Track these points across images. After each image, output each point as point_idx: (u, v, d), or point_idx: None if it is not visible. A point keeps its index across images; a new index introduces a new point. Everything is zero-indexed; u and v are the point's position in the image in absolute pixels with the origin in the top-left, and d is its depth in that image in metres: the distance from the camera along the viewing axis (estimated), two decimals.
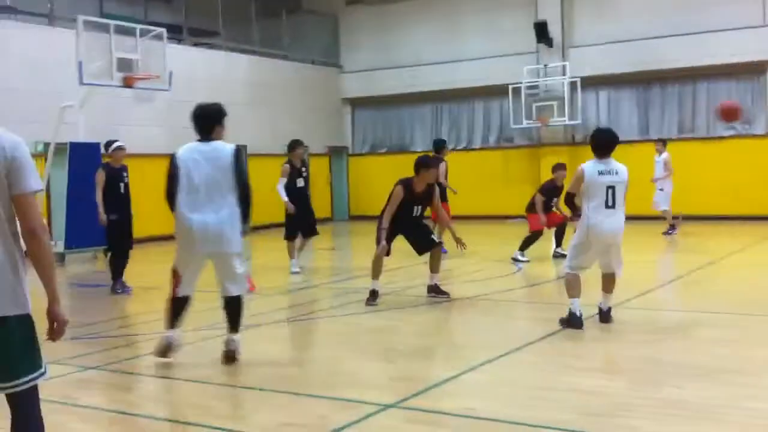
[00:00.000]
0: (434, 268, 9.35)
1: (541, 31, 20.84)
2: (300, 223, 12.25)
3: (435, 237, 9.51)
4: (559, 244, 13.11)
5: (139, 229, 11.78)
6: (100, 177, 10.50)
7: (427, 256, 9.41)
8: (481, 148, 23.00)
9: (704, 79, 20.14)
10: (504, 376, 5.92)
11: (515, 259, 12.61)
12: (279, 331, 7.87)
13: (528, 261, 12.49)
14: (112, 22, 14.84)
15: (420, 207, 9.18)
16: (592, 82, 21.02)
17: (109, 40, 14.48)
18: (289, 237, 12.27)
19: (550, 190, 12.95)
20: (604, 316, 7.57)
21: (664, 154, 16.31)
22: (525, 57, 21.54)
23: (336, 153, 24.30)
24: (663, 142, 16.75)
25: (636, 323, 7.70)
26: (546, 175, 21.51)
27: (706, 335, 7.15)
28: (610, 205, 7.23)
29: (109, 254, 10.96)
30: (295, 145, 12.51)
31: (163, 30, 15.86)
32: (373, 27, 24.13)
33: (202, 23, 21.39)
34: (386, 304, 9.04)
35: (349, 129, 24.94)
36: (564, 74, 20.88)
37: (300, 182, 12.33)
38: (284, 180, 12.21)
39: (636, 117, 21.00)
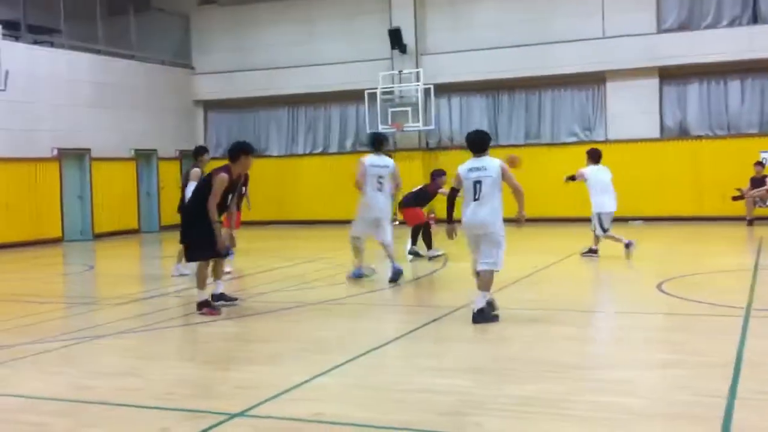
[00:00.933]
0: (220, 274, 9.10)
1: (395, 38, 21.14)
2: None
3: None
4: (414, 242, 13.55)
5: None
6: None
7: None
8: (337, 153, 23.00)
9: (549, 87, 21.06)
10: (355, 379, 5.86)
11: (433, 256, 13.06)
12: (122, 342, 7.48)
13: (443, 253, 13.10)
14: None
15: (231, 196, 8.81)
16: (444, 89, 21.52)
17: None
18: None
19: (426, 194, 13.66)
20: (474, 316, 7.60)
21: None
22: (380, 63, 21.77)
23: (188, 157, 23.55)
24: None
25: (486, 322, 7.84)
26: (403, 178, 21.91)
27: (553, 332, 7.37)
28: (476, 198, 7.69)
29: None
30: (202, 150, 11.74)
31: None
32: (226, 28, 23.67)
33: (42, 20, 20.22)
34: (236, 311, 8.79)
35: (202, 132, 24.33)
36: (418, 81, 21.24)
37: None
38: (194, 184, 11.73)
39: (486, 124, 21.65)
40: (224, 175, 8.41)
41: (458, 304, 8.54)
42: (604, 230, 12.57)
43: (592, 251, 12.76)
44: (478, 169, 7.74)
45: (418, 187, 14.08)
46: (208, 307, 8.60)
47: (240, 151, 8.63)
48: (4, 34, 16.25)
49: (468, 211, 7.74)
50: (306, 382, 5.69)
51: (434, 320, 7.80)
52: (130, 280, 12.88)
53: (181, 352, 7.31)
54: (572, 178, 12.82)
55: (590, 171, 12.67)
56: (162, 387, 5.83)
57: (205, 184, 8.61)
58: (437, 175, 13.63)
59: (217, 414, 4.95)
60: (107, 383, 5.89)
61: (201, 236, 8.45)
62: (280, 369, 6.23)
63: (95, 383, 5.91)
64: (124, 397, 5.48)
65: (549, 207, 19.71)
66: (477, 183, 7.68)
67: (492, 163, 7.78)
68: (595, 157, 12.83)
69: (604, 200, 12.55)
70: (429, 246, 13.22)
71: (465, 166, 7.85)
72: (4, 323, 8.60)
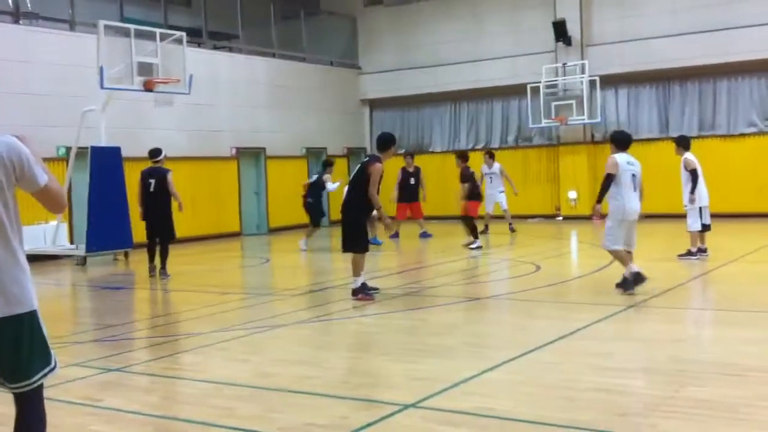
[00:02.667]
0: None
1: (560, 30, 20.77)
2: None
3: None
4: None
5: None
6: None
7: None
8: (499, 148, 22.90)
9: (725, 76, 19.97)
10: (525, 376, 5.89)
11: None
12: (299, 332, 7.89)
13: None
14: (133, 27, 14.89)
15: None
16: (611, 81, 20.93)
17: (130, 44, 14.54)
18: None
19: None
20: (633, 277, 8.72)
21: (496, 165, 17.90)
22: (544, 56, 21.49)
23: (355, 154, 24.32)
24: (491, 155, 18.18)
25: (659, 322, 7.66)
26: (564, 174, 21.53)
27: (731, 334, 7.08)
28: (635, 189, 8.89)
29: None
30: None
31: (183, 34, 15.92)
32: (391, 28, 24.15)
33: (221, 27, 21.51)
34: (406, 304, 9.04)
35: (368, 130, 24.97)
36: (583, 73, 20.78)
37: None
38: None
39: (656, 115, 20.87)
40: (380, 165, 9.31)
41: (630, 303, 8.37)
42: (706, 226, 11.71)
43: (701, 251, 11.74)
44: (633, 163, 8.93)
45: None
46: (362, 293, 9.28)
47: (391, 141, 9.64)
48: (187, 41, 17.34)
49: (631, 201, 8.86)
50: (476, 376, 5.79)
51: (605, 318, 7.68)
52: (303, 272, 13.49)
53: (353, 343, 7.61)
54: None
55: (695, 159, 11.63)
56: (338, 376, 6.13)
57: (360, 177, 9.32)
58: (466, 158, 15.12)
59: (392, 404, 5.14)
60: (287, 371, 6.25)
61: (358, 230, 9.34)
62: (449, 362, 6.36)
63: (276, 371, 6.28)
64: (303, 384, 5.78)
65: (728, 202, 18.68)
66: (634, 176, 8.87)
67: (636, 159, 9.05)
68: (687, 144, 11.82)
69: (705, 192, 11.69)
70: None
71: (623, 158, 8.93)
72: (191, 312, 9.30)
